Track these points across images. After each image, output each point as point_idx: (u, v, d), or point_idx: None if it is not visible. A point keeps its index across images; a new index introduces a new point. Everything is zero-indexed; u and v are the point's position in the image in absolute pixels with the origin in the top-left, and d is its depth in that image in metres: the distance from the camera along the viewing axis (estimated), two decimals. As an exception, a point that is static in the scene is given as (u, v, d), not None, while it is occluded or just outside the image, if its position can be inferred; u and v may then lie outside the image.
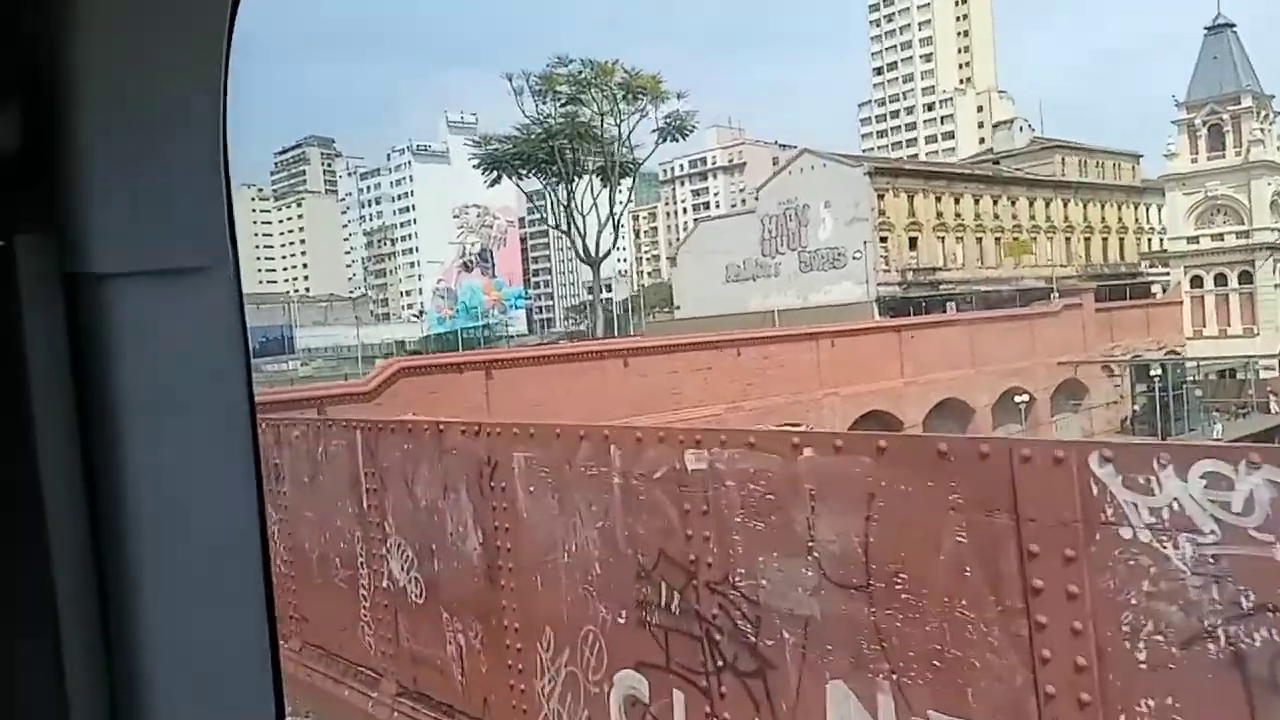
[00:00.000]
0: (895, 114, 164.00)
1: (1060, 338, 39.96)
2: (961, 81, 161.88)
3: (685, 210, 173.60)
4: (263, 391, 23.75)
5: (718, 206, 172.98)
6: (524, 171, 57.16)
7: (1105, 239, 79.11)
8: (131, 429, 0.91)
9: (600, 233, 58.64)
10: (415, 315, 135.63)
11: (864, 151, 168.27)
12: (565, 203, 55.97)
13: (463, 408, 22.46)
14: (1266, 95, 54.66)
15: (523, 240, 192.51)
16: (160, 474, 0.92)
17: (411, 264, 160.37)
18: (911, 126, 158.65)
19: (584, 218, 58.56)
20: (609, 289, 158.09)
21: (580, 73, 53.68)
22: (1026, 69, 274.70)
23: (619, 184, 57.79)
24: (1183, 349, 53.97)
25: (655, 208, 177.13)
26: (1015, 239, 69.79)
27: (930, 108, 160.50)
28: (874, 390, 32.47)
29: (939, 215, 66.18)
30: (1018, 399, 37.38)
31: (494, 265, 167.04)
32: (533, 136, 54.92)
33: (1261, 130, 53.84)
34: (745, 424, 28.75)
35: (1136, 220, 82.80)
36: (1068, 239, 75.50)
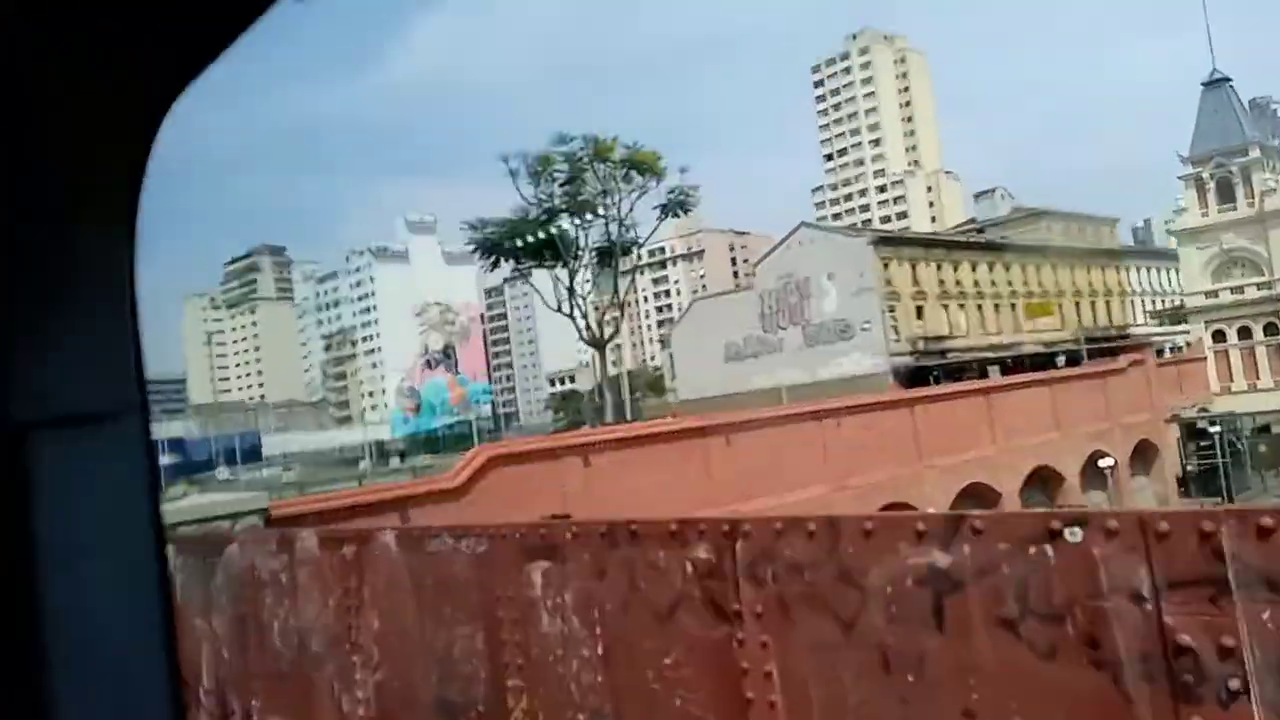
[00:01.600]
0: (849, 196, 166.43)
1: (1126, 398, 37.53)
2: (910, 164, 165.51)
3: (646, 299, 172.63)
4: (319, 498, 19.59)
5: (678, 294, 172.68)
6: (521, 256, 54.03)
7: (1093, 302, 78.67)
8: (42, 575, 0.91)
9: (604, 315, 55.56)
10: (379, 418, 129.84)
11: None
12: (569, 284, 52.78)
13: (565, 500, 18.52)
14: (1273, 146, 54.53)
15: (484, 335, 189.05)
16: (70, 618, 0.92)
17: (373, 364, 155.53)
18: (865, 208, 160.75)
19: (585, 300, 55.50)
20: (573, 380, 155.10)
21: (579, 151, 51.23)
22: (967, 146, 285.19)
23: (620, 264, 55.01)
24: (1211, 405, 52.06)
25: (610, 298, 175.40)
26: (1033, 302, 68.55)
27: (882, 189, 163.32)
28: (969, 460, 29.35)
29: (941, 283, 64.71)
30: (1102, 463, 34.60)
31: (457, 361, 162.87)
32: (532, 218, 51.98)
33: (1274, 180, 53.41)
34: (852, 505, 25.18)
35: (1120, 282, 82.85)
36: (1059, 303, 74.78)
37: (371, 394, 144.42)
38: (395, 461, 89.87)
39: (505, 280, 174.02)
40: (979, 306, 67.74)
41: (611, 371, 72.03)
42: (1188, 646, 2.22)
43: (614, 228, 54.41)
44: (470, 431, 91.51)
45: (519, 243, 51.94)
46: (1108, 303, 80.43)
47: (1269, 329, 53.41)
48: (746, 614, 3.13)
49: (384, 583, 4.86)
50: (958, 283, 66.06)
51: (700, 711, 3.33)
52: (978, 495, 30.25)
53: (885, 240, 61.60)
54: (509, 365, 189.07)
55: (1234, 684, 2.12)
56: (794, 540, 2.98)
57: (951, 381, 59.86)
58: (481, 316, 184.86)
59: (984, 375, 60.23)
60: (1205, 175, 55.46)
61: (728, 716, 3.24)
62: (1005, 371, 58.75)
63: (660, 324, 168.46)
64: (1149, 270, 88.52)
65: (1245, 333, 54.34)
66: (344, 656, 5.05)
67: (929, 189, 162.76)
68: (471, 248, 54.07)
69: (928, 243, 65.53)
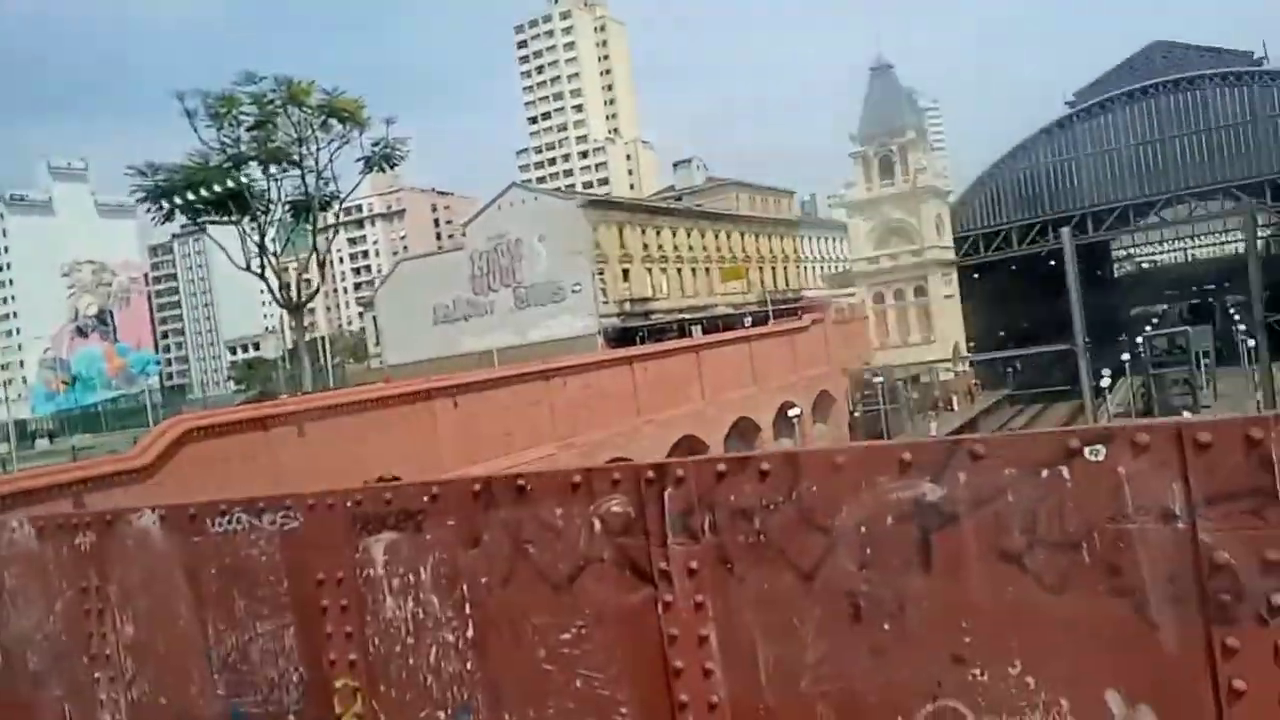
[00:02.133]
0: (553, 160, 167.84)
1: (809, 353, 41.15)
2: (610, 132, 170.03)
3: (342, 259, 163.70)
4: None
5: (377, 255, 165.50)
6: (200, 207, 48.53)
7: (774, 267, 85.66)
8: None
9: (301, 274, 51.51)
10: (15, 394, 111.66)
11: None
12: (260, 240, 48.33)
13: (279, 475, 16.95)
14: (924, 129, 61.91)
15: (150, 299, 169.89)
16: None
17: (7, 333, 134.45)
18: (569, 173, 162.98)
19: (277, 258, 51.16)
20: (258, 346, 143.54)
21: (270, 93, 46.85)
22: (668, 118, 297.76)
23: (319, 220, 51.19)
24: (872, 359, 58.74)
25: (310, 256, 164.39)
26: (728, 265, 72.95)
27: (584, 155, 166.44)
28: (682, 414, 30.68)
29: (645, 248, 67.18)
30: (790, 413, 37.71)
31: (115, 328, 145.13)
32: (214, 165, 46.89)
33: (926, 160, 60.79)
34: (577, 463, 25.39)
35: (796, 250, 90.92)
36: (747, 268, 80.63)
37: (5, 367, 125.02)
38: (44, 443, 78.65)
39: (175, 236, 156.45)
40: (679, 270, 71.21)
41: (269, 343, 67.45)
42: (1224, 564, 2.06)
43: (311, 180, 50.32)
44: (142, 406, 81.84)
45: (198, 192, 46.52)
46: (785, 268, 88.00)
47: (918, 291, 61.03)
48: (676, 573, 2.66)
49: (140, 577, 3.82)
50: (660, 247, 68.93)
51: (610, 690, 2.82)
52: (689, 448, 31.77)
53: (595, 204, 62.70)
54: (180, 332, 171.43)
55: (1277, 599, 2.03)
56: (741, 482, 2.55)
57: (655, 342, 62.78)
58: (146, 277, 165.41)
59: (684, 335, 63.69)
60: (871, 153, 61.95)
61: (648, 692, 2.77)
62: (705, 332, 62.47)
63: (358, 286, 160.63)
64: (820, 239, 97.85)
65: (900, 295, 61.70)
66: (80, 674, 3.94)
67: (628, 157, 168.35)
68: (139, 197, 47.57)
69: (633, 207, 67.62)
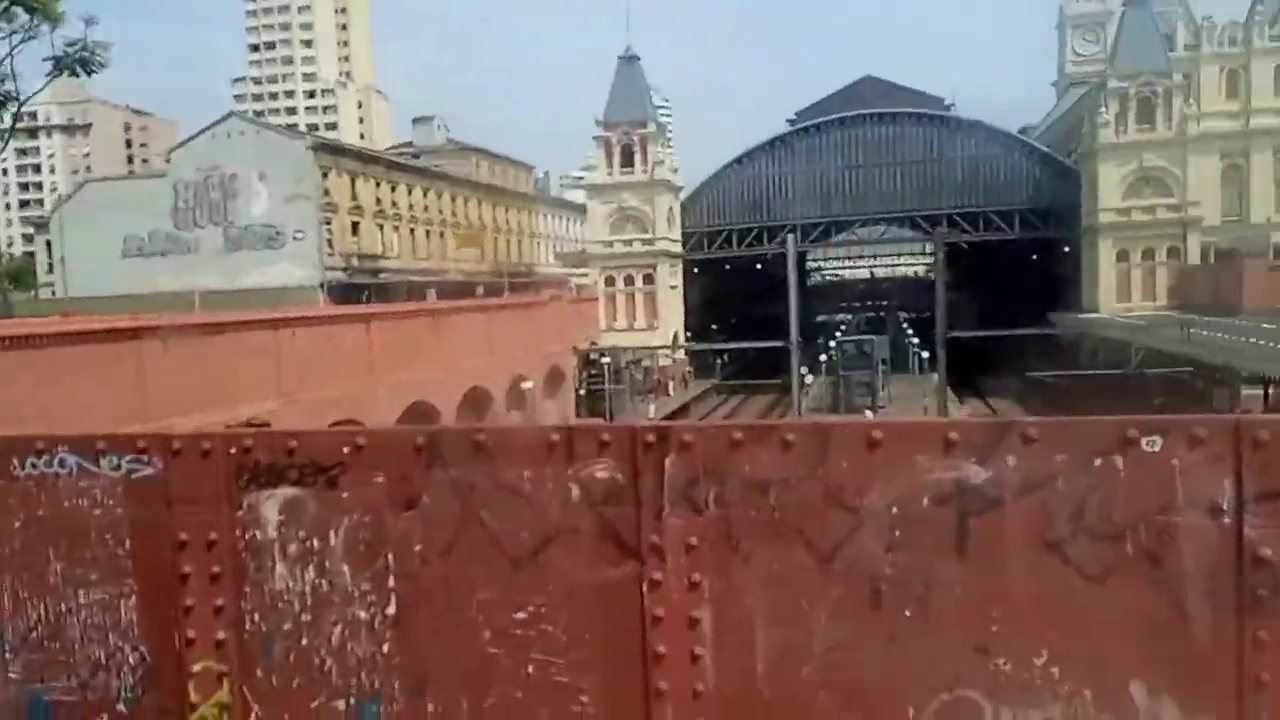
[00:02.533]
0: (274, 96, 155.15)
1: (546, 328, 41.40)
2: (342, 75, 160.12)
3: (6, 172, 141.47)
4: None
5: (52, 171, 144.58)
6: None
7: (508, 240, 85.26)
8: None
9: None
10: None
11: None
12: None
13: None
14: (663, 123, 64.13)
15: None
16: None
17: None
18: (292, 110, 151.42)
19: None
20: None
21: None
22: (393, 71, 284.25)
23: (-10, 121, 43.75)
24: (599, 340, 60.30)
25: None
26: (466, 232, 71.18)
27: (311, 94, 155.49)
28: (417, 379, 29.56)
29: (378, 202, 64.14)
30: (524, 386, 37.72)
31: None
32: None
33: (663, 153, 63.02)
34: (302, 420, 23.76)
35: (530, 224, 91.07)
36: (484, 237, 79.50)
37: None
38: None
39: None
40: (411, 230, 68.71)
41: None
42: (1267, 560, 2.15)
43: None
44: None
45: None
46: (520, 241, 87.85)
47: (646, 279, 63.34)
48: (670, 548, 2.44)
49: None
50: (394, 204, 66.09)
51: (569, 676, 2.54)
52: (422, 413, 30.80)
53: (327, 148, 58.74)
54: None
55: None
56: (759, 453, 2.38)
57: (382, 302, 60.20)
58: None
59: (413, 298, 61.64)
60: (614, 140, 63.21)
61: (618, 679, 2.52)
62: (439, 297, 60.74)
63: (24, 204, 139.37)
64: (553, 216, 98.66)
65: (630, 280, 63.72)
66: None
67: (360, 104, 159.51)
68: None
69: (369, 158, 64.22)
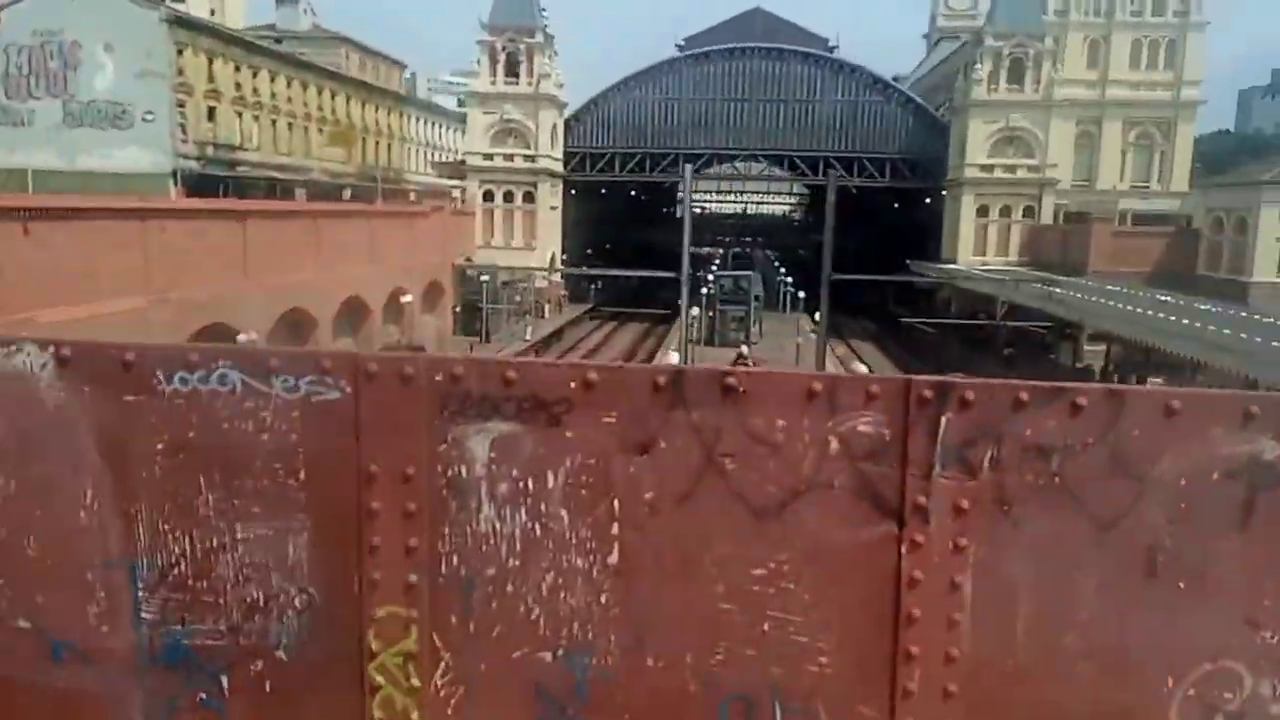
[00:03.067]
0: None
1: (427, 240, 39.88)
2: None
3: None
4: None
5: None
6: None
7: (378, 142, 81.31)
8: None
9: None
10: None
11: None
12: None
13: None
14: (550, 34, 62.05)
15: None
16: None
17: None
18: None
19: None
20: None
21: None
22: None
23: None
24: (475, 256, 58.89)
25: None
26: (336, 129, 67.15)
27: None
28: (292, 284, 27.93)
29: (238, 87, 59.57)
30: (403, 299, 36.39)
31: None
32: None
33: (549, 66, 61.13)
34: (172, 321, 22.22)
35: (401, 127, 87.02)
36: (356, 136, 75.43)
37: None
38: None
39: None
40: (273, 122, 64.35)
41: None
42: None
43: None
44: None
45: None
46: (390, 145, 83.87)
47: (526, 197, 62.00)
48: (937, 510, 2.35)
49: (13, 445, 2.54)
50: (255, 91, 61.54)
51: (809, 636, 2.45)
52: (296, 322, 29.36)
53: (183, 22, 53.71)
54: None
55: None
56: (1045, 416, 2.30)
57: (239, 197, 56.52)
58: None
59: (274, 195, 58.08)
60: (499, 46, 60.81)
61: (864, 640, 2.45)
62: (308, 198, 57.37)
63: None
64: (424, 121, 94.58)
65: (509, 197, 62.18)
66: None
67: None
68: None
69: (229, 38, 59.23)
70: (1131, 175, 66.20)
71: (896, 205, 68.21)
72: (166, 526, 2.53)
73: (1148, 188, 65.73)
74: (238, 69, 59.37)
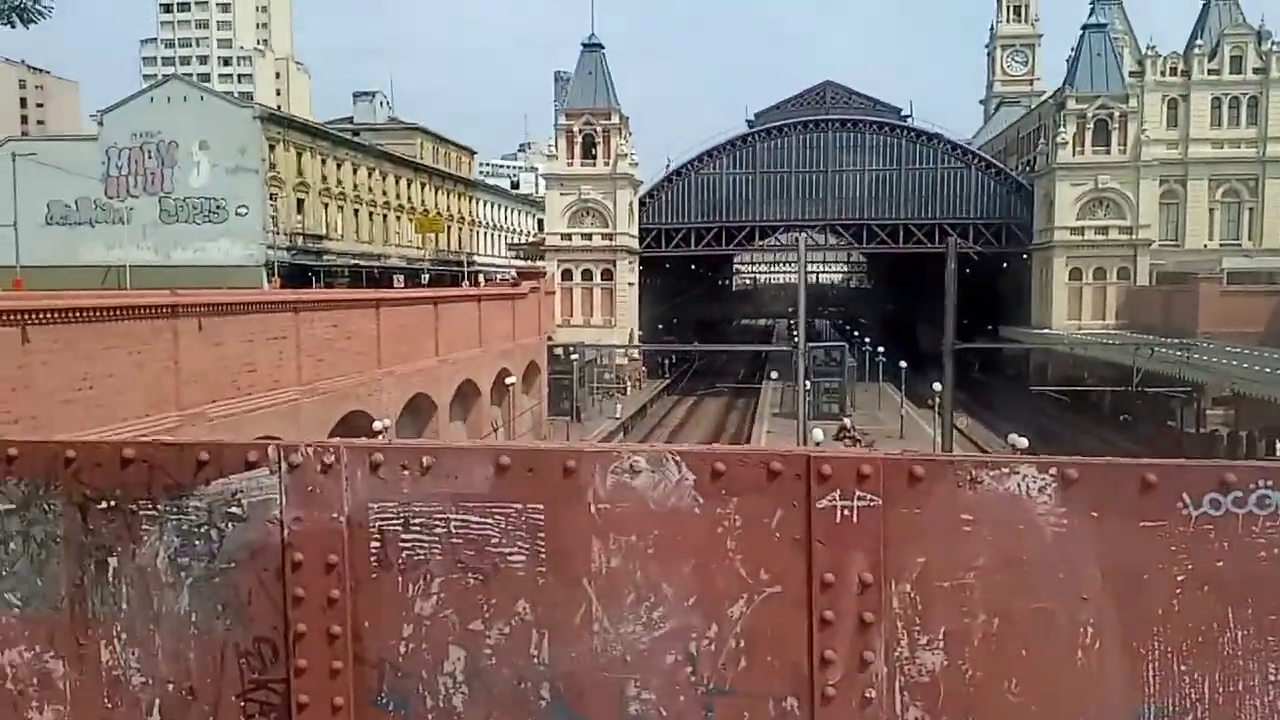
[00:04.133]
0: (186, 60, 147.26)
1: (525, 320, 39.78)
2: (260, 42, 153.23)
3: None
4: None
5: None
6: None
7: (449, 226, 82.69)
8: None
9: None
10: None
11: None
12: None
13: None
14: (625, 115, 62.89)
15: None
16: None
17: None
18: (205, 77, 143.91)
19: None
20: None
21: None
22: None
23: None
24: (555, 334, 58.81)
25: None
26: (424, 217, 68.48)
27: (226, 61, 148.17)
28: (418, 370, 27.69)
29: (324, 179, 61.06)
30: (508, 381, 36.08)
31: None
32: None
33: (627, 147, 61.83)
34: (320, 412, 21.91)
35: (472, 211, 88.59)
36: (443, 222, 76.80)
37: None
38: None
39: None
40: (355, 211, 65.75)
41: None
42: None
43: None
44: None
45: None
46: (461, 228, 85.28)
47: (605, 274, 62.15)
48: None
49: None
50: (339, 182, 63.04)
51: None
52: (420, 408, 29.03)
53: (276, 119, 55.40)
54: None
55: None
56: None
57: (328, 285, 57.47)
58: None
59: (358, 283, 58.92)
60: (575, 129, 61.77)
61: None
62: (380, 283, 58.13)
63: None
64: (487, 204, 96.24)
65: (588, 275, 62.39)
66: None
67: (278, 75, 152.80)
68: None
69: (316, 132, 60.97)
70: (1221, 233, 64.66)
71: (968, 270, 67.04)
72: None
73: (1239, 245, 64.08)
74: (324, 161, 60.89)
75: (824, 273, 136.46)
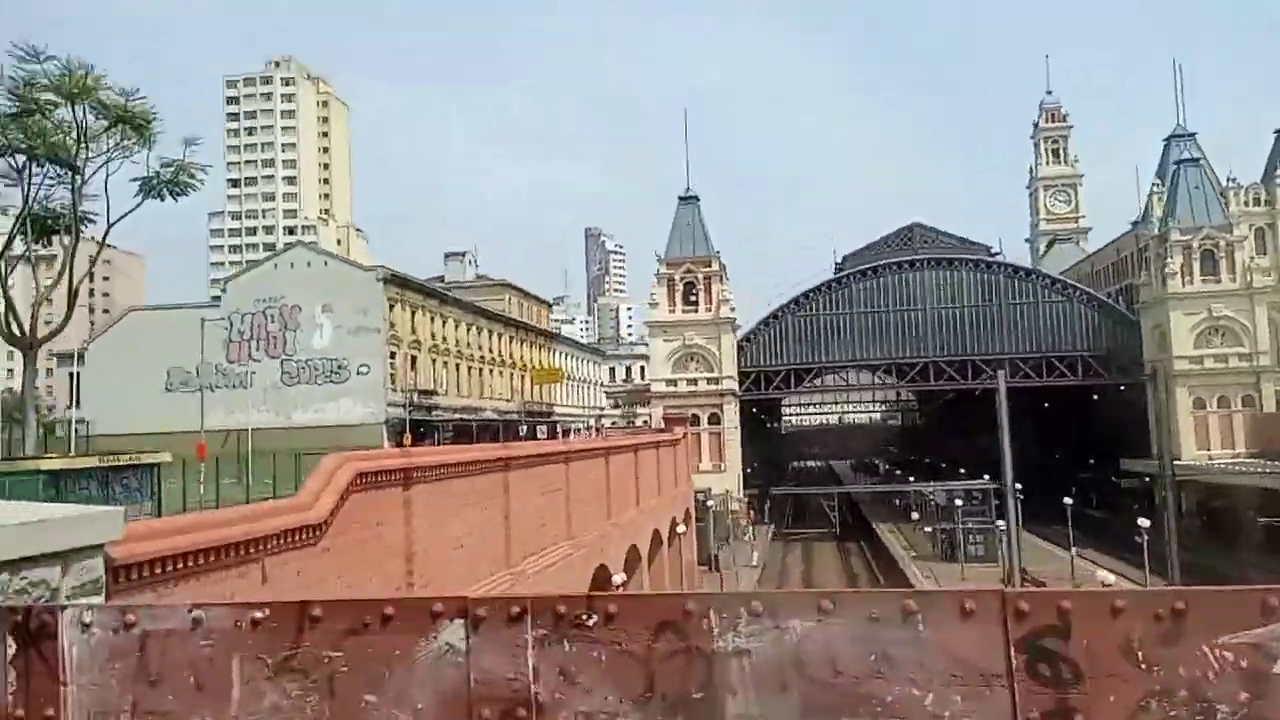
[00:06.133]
0: (253, 231, 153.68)
1: (678, 467, 39.17)
2: (323, 212, 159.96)
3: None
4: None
5: (50, 301, 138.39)
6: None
7: (532, 377, 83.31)
8: None
9: (40, 303, 40.19)
10: None
11: (214, 263, 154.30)
12: (-2, 250, 37.25)
13: (407, 544, 11.93)
14: (723, 263, 64.16)
15: None
16: None
17: None
18: (271, 247, 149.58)
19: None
20: None
21: (52, 77, 37.43)
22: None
23: (63, 241, 40.81)
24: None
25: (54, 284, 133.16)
26: (541, 371, 69.13)
27: (291, 231, 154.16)
28: (629, 521, 26.94)
29: (433, 336, 62.08)
30: (679, 529, 35.09)
31: None
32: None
33: (728, 291, 62.75)
34: (581, 568, 21.07)
35: (553, 361, 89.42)
36: (510, 373, 77.57)
37: None
38: None
39: None
40: (458, 366, 66.48)
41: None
42: None
43: (69, 190, 40.22)
44: None
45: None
46: (542, 379, 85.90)
47: (712, 419, 61.79)
48: None
49: None
50: (444, 339, 64.06)
51: None
52: (630, 559, 28.07)
53: (396, 280, 56.79)
54: None
55: None
56: None
57: (433, 442, 57.47)
58: None
59: (461, 437, 58.90)
60: (677, 278, 62.91)
61: None
62: (483, 437, 57.98)
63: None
64: (565, 355, 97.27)
65: (695, 420, 62.05)
66: None
67: (339, 241, 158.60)
68: None
69: (426, 290, 62.40)
70: (1329, 356, 63.90)
71: (1067, 403, 66.09)
72: None
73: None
74: (432, 319, 62.04)
75: (852, 412, 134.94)
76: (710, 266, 62.58)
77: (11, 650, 2.40)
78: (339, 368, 54.40)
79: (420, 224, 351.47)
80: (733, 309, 64.68)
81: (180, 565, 7.55)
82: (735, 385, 63.67)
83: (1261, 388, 55.77)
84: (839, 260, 71.74)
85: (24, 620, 2.41)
